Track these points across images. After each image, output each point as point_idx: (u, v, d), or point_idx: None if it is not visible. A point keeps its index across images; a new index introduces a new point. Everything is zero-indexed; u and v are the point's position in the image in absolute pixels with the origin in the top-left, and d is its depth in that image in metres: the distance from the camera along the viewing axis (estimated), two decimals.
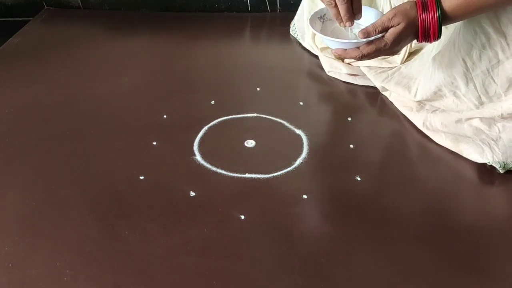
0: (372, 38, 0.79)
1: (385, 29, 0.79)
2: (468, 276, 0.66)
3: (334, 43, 0.84)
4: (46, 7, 1.50)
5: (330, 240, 0.73)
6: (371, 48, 0.80)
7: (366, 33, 0.79)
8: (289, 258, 0.69)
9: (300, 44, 1.27)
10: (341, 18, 0.83)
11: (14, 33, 1.32)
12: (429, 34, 0.78)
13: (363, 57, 0.81)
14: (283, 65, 1.19)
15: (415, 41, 0.82)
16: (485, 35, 0.82)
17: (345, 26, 0.84)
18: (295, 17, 1.32)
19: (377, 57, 0.83)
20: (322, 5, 0.91)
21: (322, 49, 1.16)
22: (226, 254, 0.69)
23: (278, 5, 1.47)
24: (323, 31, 0.87)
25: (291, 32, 1.33)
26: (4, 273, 0.66)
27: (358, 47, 0.81)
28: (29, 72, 1.15)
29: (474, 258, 0.69)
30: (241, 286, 0.65)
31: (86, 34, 1.36)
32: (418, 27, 0.78)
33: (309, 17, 0.88)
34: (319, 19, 0.89)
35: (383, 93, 1.05)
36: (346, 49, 0.83)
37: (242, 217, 0.75)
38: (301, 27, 1.27)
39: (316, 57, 1.19)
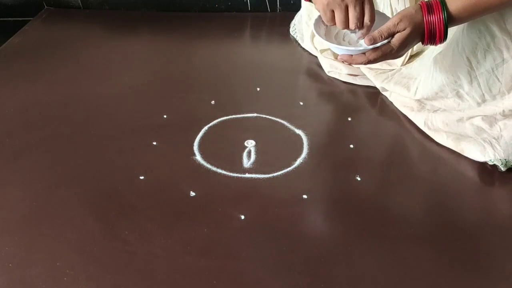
0: (379, 44, 0.79)
1: (391, 35, 0.78)
2: (468, 276, 0.66)
3: (340, 50, 0.83)
4: (46, 7, 1.50)
5: (330, 240, 0.73)
6: (377, 53, 0.80)
7: (372, 39, 0.79)
8: (289, 258, 0.68)
9: (300, 44, 1.27)
10: (346, 24, 0.80)
11: (14, 33, 1.32)
12: (435, 36, 0.78)
13: (369, 63, 0.81)
14: (283, 65, 1.19)
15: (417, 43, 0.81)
16: (490, 34, 0.81)
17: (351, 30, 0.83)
18: (295, 18, 1.33)
19: (383, 61, 0.83)
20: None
21: (322, 51, 1.16)
22: (226, 254, 0.69)
23: (278, 5, 1.47)
24: (327, 35, 0.86)
25: (291, 32, 1.33)
26: (4, 273, 0.66)
27: (364, 53, 0.81)
28: (29, 72, 1.15)
29: (474, 258, 0.69)
30: (241, 286, 0.65)
31: (86, 34, 1.36)
32: (424, 30, 0.78)
33: (313, 21, 0.87)
34: (323, 23, 0.87)
35: (383, 93, 1.05)
36: (352, 55, 0.82)
37: (242, 217, 0.75)
38: (301, 29, 1.27)
39: (316, 57, 1.19)
